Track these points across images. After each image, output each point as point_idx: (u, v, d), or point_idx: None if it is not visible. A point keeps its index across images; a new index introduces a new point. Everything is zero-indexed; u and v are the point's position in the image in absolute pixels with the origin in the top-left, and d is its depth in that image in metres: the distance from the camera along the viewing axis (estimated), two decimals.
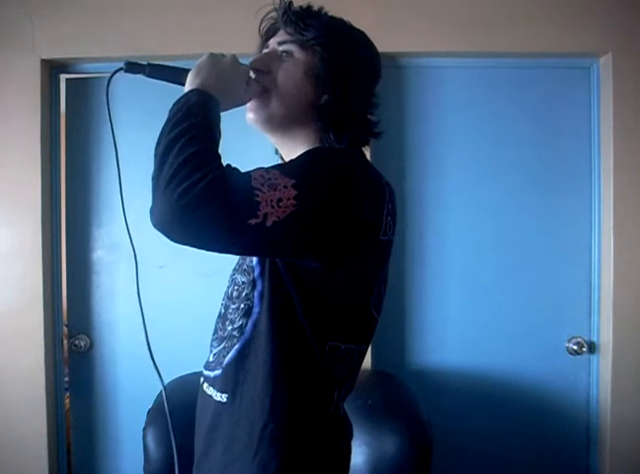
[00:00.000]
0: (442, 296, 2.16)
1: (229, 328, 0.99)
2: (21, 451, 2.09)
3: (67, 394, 2.24)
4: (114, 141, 1.03)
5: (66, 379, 2.25)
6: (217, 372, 0.99)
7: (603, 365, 2.10)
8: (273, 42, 1.03)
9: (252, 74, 0.99)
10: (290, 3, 1.01)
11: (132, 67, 0.98)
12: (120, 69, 0.98)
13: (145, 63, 0.99)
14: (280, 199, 0.79)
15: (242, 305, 0.96)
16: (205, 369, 1.04)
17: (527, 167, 2.14)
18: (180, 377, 1.79)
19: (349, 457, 1.05)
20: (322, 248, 0.87)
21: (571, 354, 2.13)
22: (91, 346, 2.20)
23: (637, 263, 2.06)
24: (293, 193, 0.80)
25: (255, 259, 0.96)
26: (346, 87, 0.99)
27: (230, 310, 1.00)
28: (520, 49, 2.07)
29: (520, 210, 2.14)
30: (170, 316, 2.11)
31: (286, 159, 1.05)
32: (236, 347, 0.96)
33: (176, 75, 0.98)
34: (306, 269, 0.91)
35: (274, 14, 1.03)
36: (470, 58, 2.13)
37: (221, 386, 0.98)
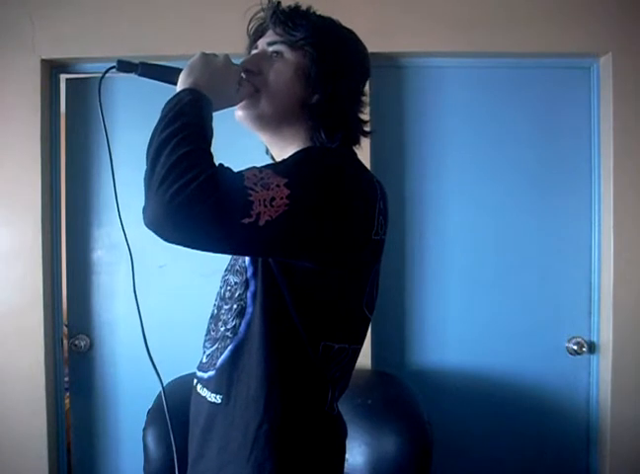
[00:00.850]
0: (442, 296, 2.15)
1: (222, 329, 0.99)
2: (21, 451, 2.09)
3: (67, 394, 2.24)
4: (107, 140, 1.02)
5: (66, 379, 2.25)
6: (211, 373, 0.99)
7: (603, 365, 2.10)
8: (262, 43, 1.02)
9: (243, 75, 0.99)
10: (279, 3, 1.01)
11: (124, 66, 0.98)
12: (112, 68, 0.98)
13: (137, 62, 0.98)
14: (272, 199, 0.79)
15: (235, 306, 0.96)
16: (199, 370, 1.04)
17: (527, 167, 2.14)
18: (180, 377, 1.79)
19: (343, 457, 1.05)
20: (314, 247, 0.87)
21: (571, 354, 2.13)
22: (91, 346, 2.20)
23: (637, 263, 2.06)
24: (286, 192, 0.80)
25: (247, 259, 0.95)
26: (336, 86, 0.99)
27: (223, 311, 1.00)
28: (520, 49, 2.07)
29: (519, 210, 2.14)
30: (170, 316, 2.11)
31: (277, 158, 1.05)
32: (230, 347, 0.96)
33: (168, 74, 0.97)
34: (299, 268, 0.91)
35: (262, 14, 1.03)
36: (470, 58, 2.13)
37: (215, 387, 0.98)
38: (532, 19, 2.05)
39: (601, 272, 2.11)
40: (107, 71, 0.98)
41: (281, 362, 0.93)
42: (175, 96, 0.88)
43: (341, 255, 0.91)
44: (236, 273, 0.98)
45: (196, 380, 1.05)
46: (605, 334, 2.09)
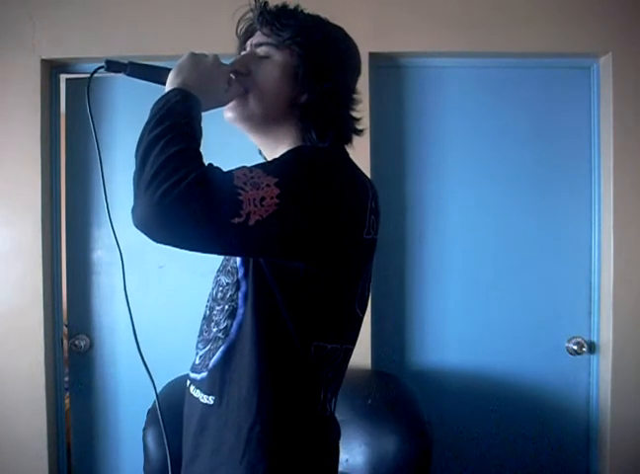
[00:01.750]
0: (442, 296, 2.15)
1: (214, 330, 0.98)
2: (21, 451, 2.09)
3: (67, 394, 2.24)
4: (96, 141, 1.02)
5: (66, 379, 2.25)
6: (203, 375, 0.98)
7: (603, 365, 2.10)
8: (251, 44, 1.02)
9: (232, 75, 0.99)
10: (266, 3, 1.00)
11: (113, 66, 0.98)
12: (101, 68, 0.97)
13: (126, 62, 0.98)
14: (262, 198, 0.79)
15: (227, 306, 0.96)
16: (192, 372, 1.03)
17: (527, 167, 2.14)
18: (179, 377, 1.79)
19: (337, 457, 1.05)
20: (305, 247, 0.87)
21: (571, 354, 2.13)
22: (91, 346, 2.20)
23: (637, 263, 2.06)
24: (276, 191, 0.80)
25: (239, 260, 0.95)
26: (325, 84, 0.98)
27: (215, 312, 1.00)
28: (520, 49, 2.07)
29: (520, 210, 2.14)
30: (170, 316, 2.11)
31: (269, 158, 1.04)
32: (221, 348, 0.95)
33: (157, 74, 0.97)
34: (290, 269, 0.90)
35: (250, 14, 1.02)
36: (470, 58, 2.13)
37: (208, 388, 0.97)
38: (532, 19, 2.05)
39: (601, 272, 2.11)
40: (95, 71, 0.98)
41: (273, 363, 0.93)
42: (163, 96, 0.87)
43: (332, 254, 0.90)
44: (228, 273, 0.98)
45: (189, 382, 1.04)
46: (605, 334, 2.09)
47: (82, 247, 2.20)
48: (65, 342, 2.22)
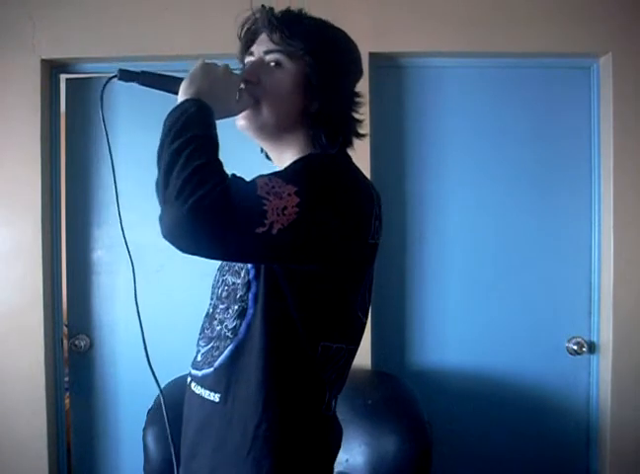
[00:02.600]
0: (442, 296, 2.15)
1: (218, 328, 0.99)
2: (21, 451, 2.09)
3: (67, 394, 2.24)
4: (109, 147, 1.02)
5: (66, 379, 2.25)
6: (206, 371, 0.99)
7: (603, 365, 2.10)
8: (258, 50, 1.01)
9: (242, 85, 0.99)
10: (272, 8, 1.00)
11: (126, 75, 0.98)
12: (114, 77, 0.98)
13: (139, 71, 0.98)
14: (284, 207, 0.81)
15: (236, 306, 0.97)
16: (193, 368, 1.04)
17: (527, 167, 2.14)
18: (180, 377, 1.78)
19: (336, 456, 1.07)
20: (321, 252, 0.89)
21: (571, 354, 2.13)
22: (91, 346, 2.20)
23: (637, 263, 2.06)
24: (296, 200, 0.82)
25: None
26: (335, 92, 1.00)
27: (219, 310, 1.01)
28: (520, 49, 2.07)
29: (520, 210, 2.14)
30: (170, 316, 2.11)
31: (276, 163, 1.07)
32: (230, 347, 0.96)
33: (169, 84, 0.97)
34: (302, 271, 0.92)
35: (253, 18, 1.02)
36: (470, 58, 2.13)
37: (212, 385, 0.98)
38: (532, 19, 2.05)
39: (601, 272, 2.11)
40: (108, 81, 0.98)
41: (281, 364, 0.94)
42: (179, 106, 0.88)
43: (341, 257, 0.92)
44: (235, 273, 0.99)
45: (190, 378, 1.05)
46: (605, 334, 2.09)
47: (82, 247, 2.20)
48: (65, 342, 2.22)
